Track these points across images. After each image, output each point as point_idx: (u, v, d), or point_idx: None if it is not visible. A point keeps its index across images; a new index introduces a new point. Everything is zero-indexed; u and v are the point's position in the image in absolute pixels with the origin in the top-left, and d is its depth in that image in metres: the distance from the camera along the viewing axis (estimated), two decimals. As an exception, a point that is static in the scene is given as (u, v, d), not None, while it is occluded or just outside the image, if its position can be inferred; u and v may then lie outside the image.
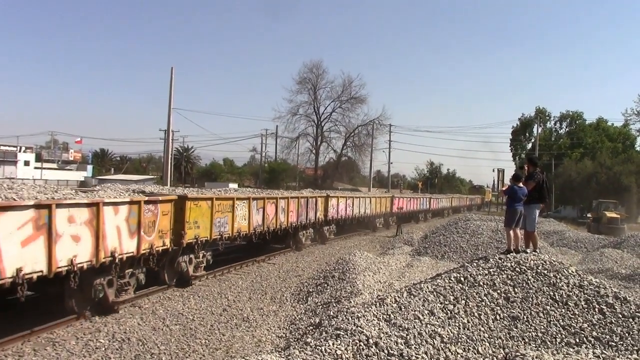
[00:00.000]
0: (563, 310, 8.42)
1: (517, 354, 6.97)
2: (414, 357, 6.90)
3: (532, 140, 79.36)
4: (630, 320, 8.09)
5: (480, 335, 7.88)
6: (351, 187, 73.93)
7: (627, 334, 7.82)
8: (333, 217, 27.13)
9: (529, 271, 9.29)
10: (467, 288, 8.97)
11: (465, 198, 78.42)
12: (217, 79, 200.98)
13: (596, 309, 8.39)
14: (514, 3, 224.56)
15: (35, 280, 8.87)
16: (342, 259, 16.82)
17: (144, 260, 12.25)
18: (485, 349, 7.56)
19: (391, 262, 17.85)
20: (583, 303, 8.54)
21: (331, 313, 10.30)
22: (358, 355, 6.84)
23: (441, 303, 8.60)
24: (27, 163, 72.59)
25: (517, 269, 9.39)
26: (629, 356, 7.20)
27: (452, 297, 8.75)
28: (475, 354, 7.38)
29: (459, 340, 7.68)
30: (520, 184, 10.59)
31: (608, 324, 8.07)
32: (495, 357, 7.34)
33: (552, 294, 8.76)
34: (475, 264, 9.91)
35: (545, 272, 9.25)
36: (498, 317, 8.32)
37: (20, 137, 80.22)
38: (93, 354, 8.79)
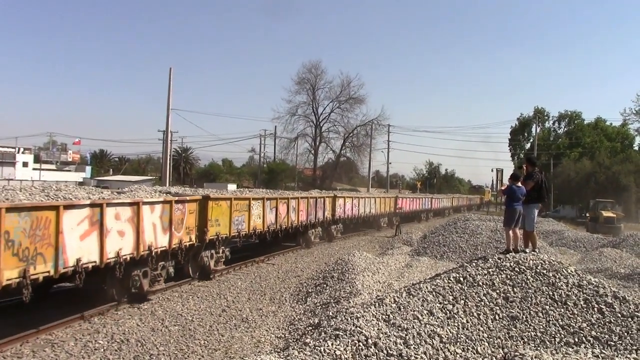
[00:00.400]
0: (562, 309, 8.42)
1: (516, 353, 6.97)
2: (413, 357, 6.89)
3: (531, 140, 79.49)
4: (629, 319, 8.09)
5: (479, 335, 7.87)
6: (350, 187, 74.00)
7: (626, 334, 7.82)
8: (340, 217, 28.15)
9: (528, 271, 9.29)
10: (466, 288, 8.97)
11: (465, 198, 79.18)
12: (216, 80, 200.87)
13: (595, 309, 8.39)
14: (513, 3, 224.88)
15: (91, 270, 10.10)
16: (341, 260, 16.82)
17: (172, 254, 13.38)
18: (484, 348, 7.56)
19: (390, 262, 17.85)
20: (582, 303, 8.54)
21: (330, 313, 10.29)
22: (357, 356, 6.83)
23: (440, 303, 8.59)
24: (25, 164, 72.40)
25: (516, 268, 9.39)
26: (628, 355, 7.20)
27: (451, 297, 8.75)
28: (474, 354, 7.38)
29: (458, 340, 7.68)
30: (519, 184, 10.60)
31: (607, 324, 8.07)
32: (494, 357, 7.34)
33: (551, 293, 8.76)
34: (474, 264, 9.91)
35: (545, 271, 9.25)
36: (497, 317, 8.32)
37: (18, 138, 79.77)
38: (92, 355, 8.78)
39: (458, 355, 7.26)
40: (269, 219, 19.37)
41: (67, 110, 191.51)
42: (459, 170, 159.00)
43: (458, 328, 7.97)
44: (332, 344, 6.98)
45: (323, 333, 7.79)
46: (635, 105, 68.86)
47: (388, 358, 6.85)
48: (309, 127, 76.65)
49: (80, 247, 9.78)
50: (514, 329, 8.09)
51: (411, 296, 8.79)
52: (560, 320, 8.21)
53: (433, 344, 7.40)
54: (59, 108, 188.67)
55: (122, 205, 11.16)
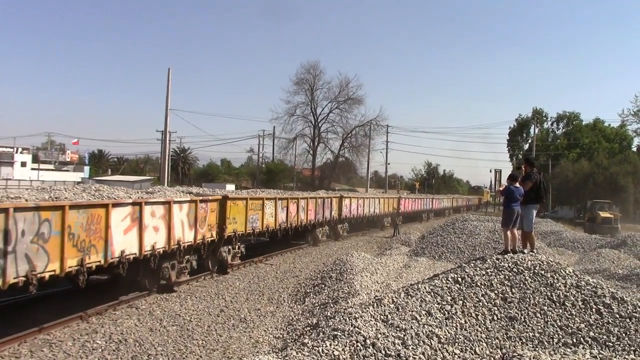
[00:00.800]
0: (560, 310, 8.42)
1: (515, 354, 6.97)
2: (411, 358, 6.90)
3: (529, 141, 79.50)
4: (627, 320, 8.10)
5: (477, 336, 7.88)
6: (348, 187, 73.99)
7: (624, 334, 7.83)
8: (346, 216, 29.24)
9: (526, 271, 9.29)
10: (464, 288, 8.97)
11: (464, 199, 79.76)
12: (215, 80, 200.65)
13: (593, 309, 8.40)
14: (512, 3, 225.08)
15: (132, 261, 11.44)
16: (339, 260, 16.83)
17: (195, 249, 14.54)
18: (482, 349, 7.57)
19: (388, 262, 17.85)
20: (580, 303, 8.54)
21: (328, 314, 10.29)
22: (355, 356, 6.84)
23: (438, 303, 8.59)
24: (23, 164, 72.32)
25: (515, 269, 9.38)
26: (626, 356, 7.21)
27: (449, 298, 8.74)
28: (472, 354, 7.39)
29: (457, 340, 7.68)
30: (517, 184, 10.60)
31: (605, 324, 8.07)
32: (492, 358, 7.34)
33: (549, 294, 8.76)
34: (472, 265, 9.91)
35: (543, 272, 9.25)
36: (495, 318, 8.32)
37: (17, 138, 79.79)
38: (90, 355, 8.77)
39: (456, 356, 7.27)
40: (281, 217, 20.56)
41: (65, 110, 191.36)
42: (458, 171, 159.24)
43: (456, 328, 7.97)
44: (330, 344, 6.98)
45: (321, 333, 7.79)
46: (634, 106, 69.18)
47: (386, 358, 6.85)
48: (308, 128, 76.75)
49: (123, 241, 11.11)
50: (512, 329, 8.09)
51: (409, 297, 8.79)
52: (558, 320, 8.22)
53: (431, 344, 7.41)
54: (57, 108, 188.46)
55: (156, 204, 12.45)
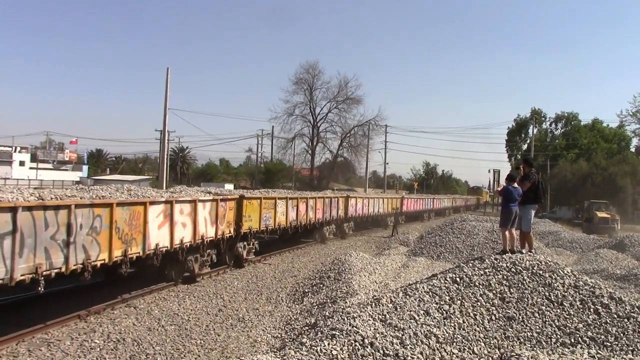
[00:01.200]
0: (558, 310, 8.43)
1: (513, 354, 6.98)
2: (409, 357, 6.90)
3: (528, 141, 79.49)
4: (625, 320, 8.11)
5: (475, 336, 7.88)
6: (347, 187, 73.89)
7: (622, 334, 7.84)
8: (352, 215, 30.40)
9: (524, 271, 9.30)
10: (462, 288, 8.98)
11: (464, 199, 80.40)
12: (214, 80, 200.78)
13: (591, 309, 8.41)
14: (511, 3, 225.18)
15: (164, 253, 12.64)
16: (337, 260, 16.84)
17: (215, 244, 15.71)
18: (480, 349, 7.57)
19: (387, 262, 17.85)
20: (578, 303, 8.56)
21: (327, 313, 10.30)
22: (354, 356, 6.84)
23: (437, 303, 8.60)
24: (22, 163, 72.30)
25: (513, 269, 9.39)
26: (624, 356, 7.22)
27: (447, 298, 8.75)
28: (470, 354, 7.39)
29: (455, 340, 7.69)
30: (515, 184, 10.60)
31: (603, 324, 8.09)
32: (490, 357, 7.35)
33: (547, 294, 8.77)
34: (470, 265, 9.91)
35: (541, 272, 9.26)
36: (493, 318, 8.33)
37: (15, 137, 79.81)
38: (88, 355, 8.75)
39: (454, 356, 7.27)
40: (291, 216, 21.78)
41: (64, 110, 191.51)
42: (456, 171, 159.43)
43: (454, 328, 7.98)
44: (328, 344, 6.98)
45: (319, 333, 7.79)
46: (632, 107, 69.18)
47: (384, 358, 6.85)
48: (306, 127, 76.52)
49: (157, 235, 12.29)
50: (510, 329, 8.10)
51: (408, 296, 8.79)
52: (556, 320, 8.23)
53: (429, 344, 7.41)
54: (56, 107, 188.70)
55: (184, 202, 13.63)
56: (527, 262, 9.59)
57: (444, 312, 8.36)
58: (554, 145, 78.49)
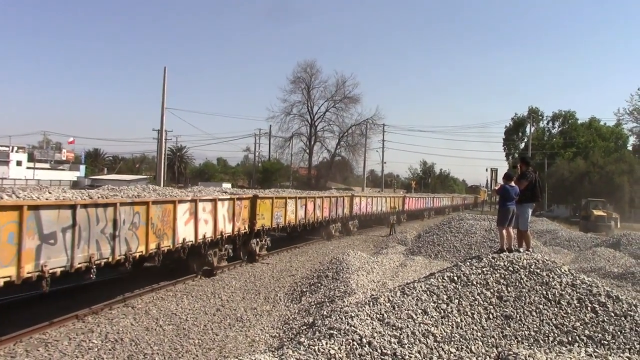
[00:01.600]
0: (556, 309, 8.45)
1: (510, 352, 6.99)
2: (407, 356, 6.90)
3: (525, 140, 79.61)
4: (623, 318, 8.13)
5: (473, 334, 7.89)
6: (344, 186, 73.85)
7: (619, 333, 7.86)
8: (356, 214, 31.87)
9: (521, 270, 9.31)
10: (460, 287, 8.98)
11: (462, 197, 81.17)
12: (212, 79, 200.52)
13: (589, 308, 8.43)
14: (510, 3, 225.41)
15: (190, 247, 13.83)
16: (335, 259, 16.84)
17: (232, 240, 16.93)
18: (478, 347, 7.58)
19: (385, 261, 17.85)
20: (575, 302, 8.57)
21: (325, 313, 10.30)
22: (351, 355, 6.84)
23: (434, 302, 8.60)
24: (19, 163, 72.05)
25: (510, 268, 9.41)
26: (621, 355, 7.24)
27: (445, 297, 8.76)
28: (468, 353, 7.40)
29: (452, 339, 7.69)
30: (513, 183, 10.62)
31: (600, 323, 8.10)
32: (488, 356, 7.36)
33: (544, 292, 8.78)
34: (468, 263, 9.92)
35: (538, 271, 9.27)
36: (491, 316, 8.34)
37: (12, 137, 79.54)
38: (86, 355, 8.75)
39: (452, 354, 7.28)
40: (300, 214, 23.14)
41: (61, 109, 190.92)
42: (454, 170, 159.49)
43: (452, 327, 7.99)
44: (326, 343, 6.98)
45: (317, 332, 7.79)
46: (629, 105, 69.40)
47: (382, 357, 6.85)
48: (304, 127, 76.46)
49: (184, 230, 13.53)
50: (507, 328, 8.11)
51: (405, 295, 8.80)
52: (553, 319, 8.24)
53: (427, 343, 7.41)
54: (53, 107, 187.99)
55: (206, 200, 14.88)
56: (525, 260, 9.60)
57: (442, 311, 8.37)
58: (552, 144, 78.63)
